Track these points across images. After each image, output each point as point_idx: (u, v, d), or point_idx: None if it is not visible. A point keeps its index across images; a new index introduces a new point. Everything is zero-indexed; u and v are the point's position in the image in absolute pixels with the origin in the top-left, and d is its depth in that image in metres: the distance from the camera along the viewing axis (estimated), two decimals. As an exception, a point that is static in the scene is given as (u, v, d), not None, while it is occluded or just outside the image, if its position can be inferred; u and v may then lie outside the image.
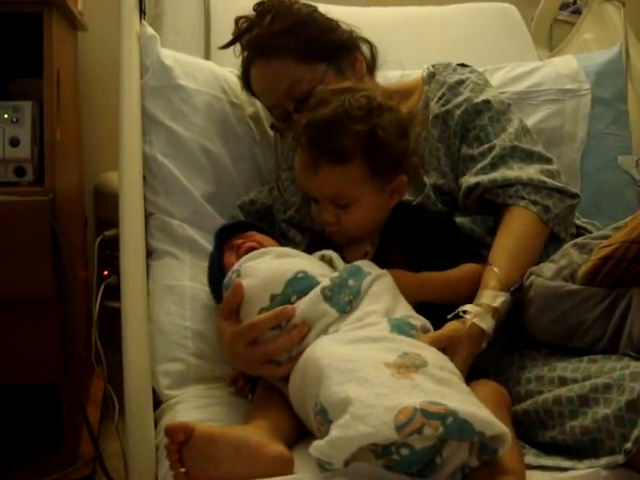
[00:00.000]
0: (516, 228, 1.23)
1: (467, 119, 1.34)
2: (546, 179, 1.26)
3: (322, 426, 0.87)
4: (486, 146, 1.31)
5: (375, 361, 0.89)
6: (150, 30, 1.53)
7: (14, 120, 1.62)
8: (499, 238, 1.23)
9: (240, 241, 1.25)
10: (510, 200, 1.25)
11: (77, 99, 2.06)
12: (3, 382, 1.63)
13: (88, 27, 2.03)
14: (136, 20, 1.50)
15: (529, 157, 1.31)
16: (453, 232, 1.26)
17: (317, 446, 0.83)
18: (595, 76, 1.67)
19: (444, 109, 1.37)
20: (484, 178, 1.28)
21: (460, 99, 1.36)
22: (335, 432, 0.81)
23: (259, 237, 1.27)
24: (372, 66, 1.51)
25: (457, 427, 0.80)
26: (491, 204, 1.28)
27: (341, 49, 1.41)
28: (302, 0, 1.45)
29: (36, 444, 1.72)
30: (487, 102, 1.35)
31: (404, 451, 0.82)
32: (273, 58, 1.37)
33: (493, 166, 1.29)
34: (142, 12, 1.53)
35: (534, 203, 1.23)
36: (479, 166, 1.30)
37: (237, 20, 1.44)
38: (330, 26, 1.43)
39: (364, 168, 1.14)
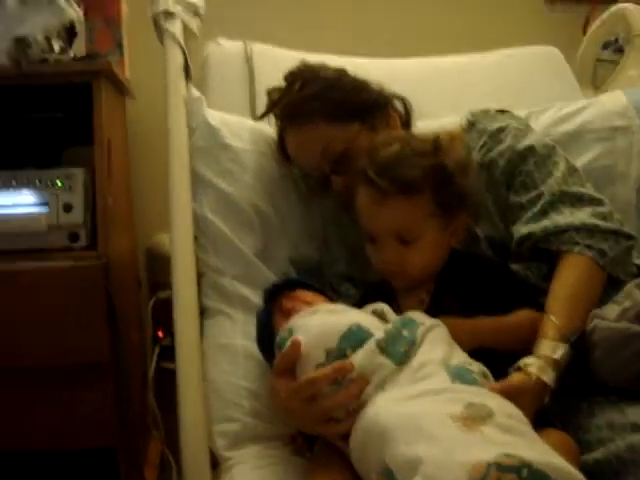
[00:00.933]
0: (572, 275, 1.20)
1: (512, 166, 1.33)
2: (598, 222, 1.24)
3: None
4: (534, 193, 1.29)
5: (441, 415, 0.86)
6: (196, 92, 1.56)
7: (67, 187, 1.66)
8: (555, 286, 1.19)
9: (290, 305, 1.23)
10: (564, 247, 1.22)
11: (127, 164, 2.10)
12: (61, 447, 1.64)
13: (135, 94, 2.08)
14: (182, 83, 1.53)
15: (579, 201, 1.28)
16: (509, 279, 1.24)
17: None
18: (646, 112, 1.63)
19: (487, 158, 1.36)
20: (535, 227, 1.25)
21: (503, 147, 1.35)
22: None
23: (309, 297, 1.25)
24: (407, 120, 1.51)
25: (533, 479, 0.77)
26: (545, 252, 1.26)
27: (372, 107, 1.42)
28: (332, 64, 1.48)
29: (95, 509, 1.71)
30: (531, 147, 1.34)
31: None
32: (305, 122, 1.39)
33: (543, 213, 1.27)
34: (188, 75, 1.56)
35: (589, 248, 1.20)
36: (529, 215, 1.28)
37: (269, 92, 1.49)
38: (359, 86, 1.44)
39: (431, 201, 1.16)
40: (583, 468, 0.97)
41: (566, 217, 1.25)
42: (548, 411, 1.08)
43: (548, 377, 1.05)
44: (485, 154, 1.36)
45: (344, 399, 1.01)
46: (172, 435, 1.25)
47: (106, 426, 1.60)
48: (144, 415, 1.70)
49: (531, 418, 0.95)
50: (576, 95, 1.97)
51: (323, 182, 1.42)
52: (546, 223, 1.25)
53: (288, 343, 1.10)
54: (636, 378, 1.06)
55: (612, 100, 1.67)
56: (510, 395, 0.97)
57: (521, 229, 1.28)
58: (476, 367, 1.02)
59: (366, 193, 1.18)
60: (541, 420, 1.03)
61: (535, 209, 1.28)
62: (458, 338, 1.09)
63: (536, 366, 1.06)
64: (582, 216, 1.24)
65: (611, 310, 1.12)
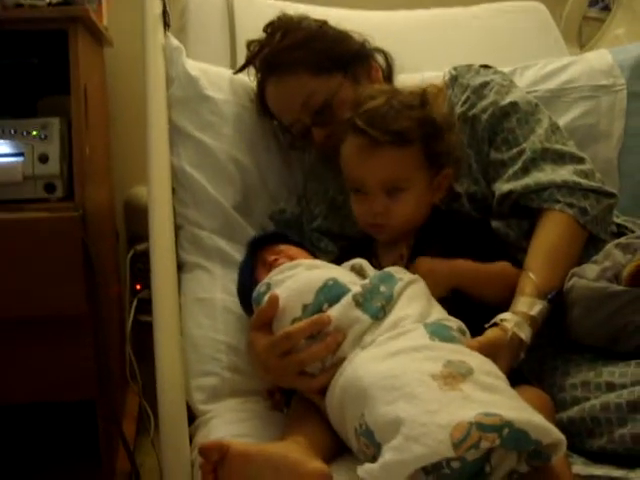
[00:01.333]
0: (552, 232, 1.20)
1: (494, 123, 1.32)
2: (580, 180, 1.23)
3: (367, 449, 0.85)
4: (515, 150, 1.28)
5: (420, 374, 0.86)
6: (175, 41, 1.52)
7: (43, 137, 1.62)
8: (535, 243, 1.19)
9: (272, 258, 1.23)
10: (545, 204, 1.22)
11: (105, 114, 2.06)
12: (38, 399, 1.63)
13: (114, 42, 2.03)
14: (160, 32, 1.50)
15: (561, 158, 1.27)
16: (489, 236, 1.24)
17: (369, 470, 0.80)
18: (630, 70, 1.61)
19: (470, 114, 1.34)
20: (517, 185, 1.25)
21: (486, 102, 1.34)
22: (389, 455, 0.79)
23: (292, 251, 1.25)
24: (389, 74, 1.50)
25: (514, 438, 0.77)
26: (526, 209, 1.25)
27: (354, 59, 1.41)
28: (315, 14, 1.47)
29: (72, 461, 1.71)
30: (514, 104, 1.32)
31: (455, 464, 0.79)
32: (286, 73, 1.37)
33: (525, 170, 1.26)
34: (166, 24, 1.53)
35: (570, 206, 1.20)
36: (510, 172, 1.27)
37: (248, 44, 1.47)
38: (341, 37, 1.43)
39: (420, 153, 1.16)
40: (557, 426, 0.98)
41: (548, 174, 1.24)
42: (524, 369, 1.09)
43: (524, 333, 1.06)
44: (468, 109, 1.35)
45: (320, 351, 1.01)
46: (150, 387, 1.25)
47: (84, 379, 1.59)
48: (122, 367, 1.69)
49: (506, 373, 0.95)
50: (561, 52, 1.95)
51: (303, 135, 1.40)
52: (527, 180, 1.24)
53: (265, 298, 1.10)
54: (612, 337, 1.07)
55: (598, 58, 1.66)
56: (486, 351, 0.97)
57: (502, 186, 1.27)
58: (454, 323, 1.02)
59: (355, 143, 1.16)
60: (517, 377, 1.03)
61: (516, 166, 1.27)
62: (435, 278, 1.10)
63: (513, 322, 1.06)
64: (564, 173, 1.24)
65: (590, 269, 1.12)
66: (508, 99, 1.33)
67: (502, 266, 1.16)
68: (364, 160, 1.15)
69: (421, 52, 1.78)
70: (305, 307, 1.05)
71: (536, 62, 1.67)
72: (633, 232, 1.28)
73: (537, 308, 1.09)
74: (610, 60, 1.63)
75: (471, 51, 1.82)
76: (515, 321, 1.06)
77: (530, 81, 1.60)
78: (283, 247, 1.26)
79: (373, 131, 1.13)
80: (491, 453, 0.81)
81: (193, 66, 1.52)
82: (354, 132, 1.16)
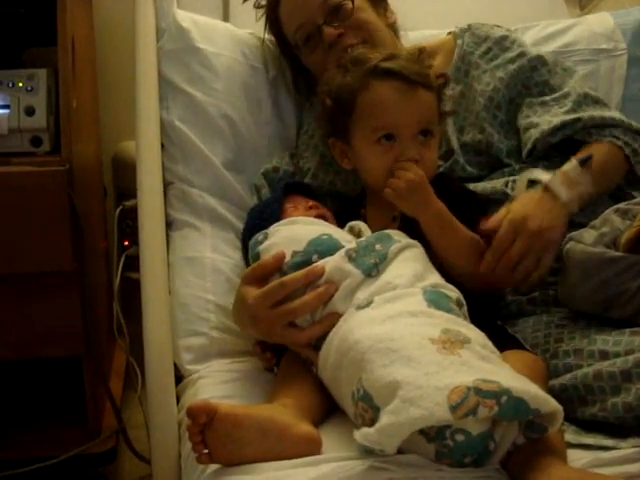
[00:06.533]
0: (604, 154, 1.23)
1: (523, 76, 1.34)
2: (631, 121, 1.28)
3: (366, 413, 0.83)
4: (559, 94, 1.31)
5: (419, 337, 0.85)
6: (165, -10, 1.49)
7: (29, 89, 1.59)
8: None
9: (312, 203, 1.22)
10: (605, 140, 1.26)
11: (94, 66, 2.02)
12: (24, 356, 1.62)
13: (103, -9, 1.98)
14: (151, -19, 1.46)
15: (598, 103, 1.32)
16: (473, 205, 1.21)
17: (366, 434, 0.79)
18: (632, 35, 1.59)
19: (493, 64, 1.36)
20: (583, 115, 1.27)
21: (511, 54, 1.36)
22: (385, 418, 0.77)
23: (322, 210, 1.23)
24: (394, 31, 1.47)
25: (512, 406, 0.76)
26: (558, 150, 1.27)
27: None
28: None
29: (59, 417, 1.71)
30: (540, 57, 1.36)
31: (459, 437, 0.78)
32: None
33: (575, 111, 1.29)
34: (157, -28, 1.48)
35: (626, 144, 1.25)
36: (560, 110, 1.29)
37: None
38: None
39: (436, 102, 1.19)
40: (549, 393, 0.97)
41: (604, 112, 1.29)
42: (517, 334, 1.09)
43: (545, 178, 1.14)
44: (491, 60, 1.37)
45: (312, 300, 1.00)
46: (138, 344, 1.24)
47: (71, 335, 1.58)
48: (109, 324, 1.68)
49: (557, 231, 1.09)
50: (561, 12, 1.93)
51: (307, 40, 1.37)
52: (592, 113, 1.28)
53: (260, 247, 1.10)
54: (607, 303, 1.06)
55: (599, 21, 1.65)
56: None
57: (554, 119, 1.28)
58: (453, 294, 1.00)
59: (391, 86, 1.14)
60: (512, 343, 1.03)
61: (565, 107, 1.29)
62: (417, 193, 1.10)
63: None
64: (615, 114, 1.29)
65: (588, 234, 1.11)
66: (534, 52, 1.37)
67: (477, 238, 1.12)
68: (403, 101, 1.14)
69: (418, 10, 1.74)
70: (295, 254, 1.05)
71: (537, 23, 1.65)
72: (633, 197, 1.27)
73: (567, 165, 1.16)
74: (612, 24, 1.62)
75: (469, 9, 1.80)
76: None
77: (530, 42, 1.56)
78: (315, 203, 1.24)
79: (409, 72, 1.13)
80: (495, 428, 0.80)
81: (184, 17, 1.49)
82: (386, 76, 1.14)
